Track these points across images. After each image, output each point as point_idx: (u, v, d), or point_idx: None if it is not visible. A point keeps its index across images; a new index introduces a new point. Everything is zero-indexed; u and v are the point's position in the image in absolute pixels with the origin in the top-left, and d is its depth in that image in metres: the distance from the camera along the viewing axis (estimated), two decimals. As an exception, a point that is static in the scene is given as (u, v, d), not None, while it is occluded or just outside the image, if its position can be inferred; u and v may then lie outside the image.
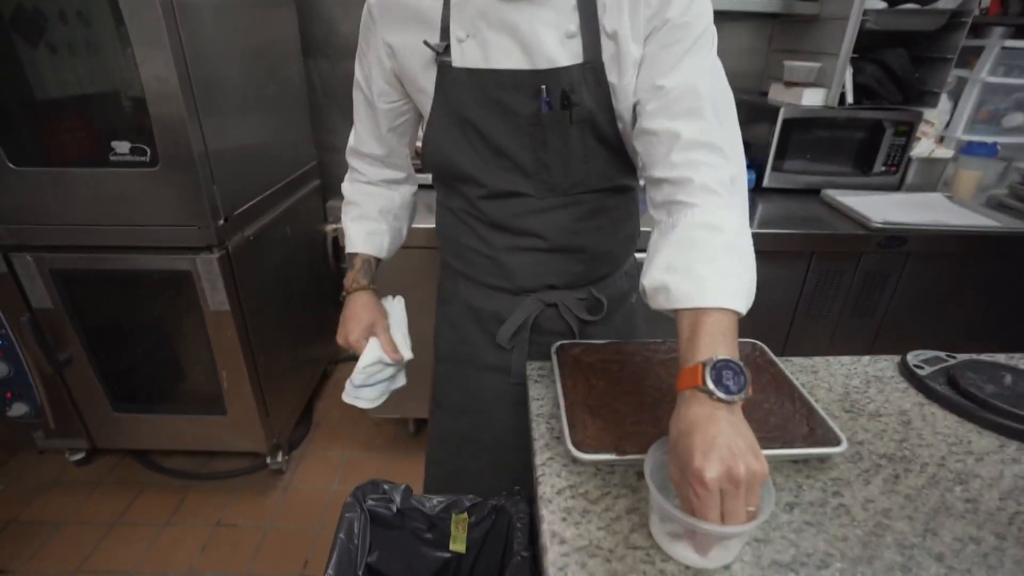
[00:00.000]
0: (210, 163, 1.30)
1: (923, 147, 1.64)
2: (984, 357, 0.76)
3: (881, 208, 1.49)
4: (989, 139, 1.65)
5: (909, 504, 0.54)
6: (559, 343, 0.77)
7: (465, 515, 0.76)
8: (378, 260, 0.89)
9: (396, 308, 0.91)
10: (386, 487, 0.78)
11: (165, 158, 1.25)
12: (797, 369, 0.77)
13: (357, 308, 0.85)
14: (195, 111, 1.24)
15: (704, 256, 0.53)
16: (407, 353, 0.87)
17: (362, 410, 0.90)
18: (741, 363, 0.47)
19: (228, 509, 1.64)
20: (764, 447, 0.58)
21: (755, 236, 0.57)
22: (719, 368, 0.47)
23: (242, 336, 1.47)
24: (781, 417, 0.63)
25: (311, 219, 1.91)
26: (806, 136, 1.63)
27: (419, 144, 0.84)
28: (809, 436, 0.60)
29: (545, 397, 0.71)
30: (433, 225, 0.91)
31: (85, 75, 1.25)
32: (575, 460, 0.57)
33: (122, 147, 1.26)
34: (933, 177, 1.70)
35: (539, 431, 0.65)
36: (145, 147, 1.26)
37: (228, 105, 1.39)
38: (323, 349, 2.05)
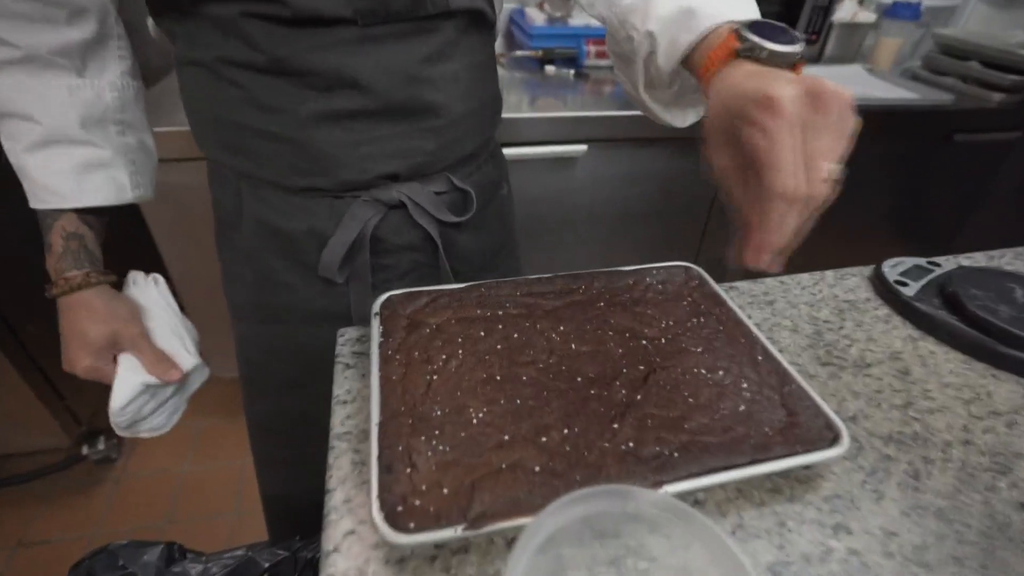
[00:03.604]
0: None
1: (846, 9, 1.42)
2: (980, 263, 0.57)
3: (804, 82, 1.28)
4: (911, -1, 1.46)
5: (949, 530, 0.33)
6: (385, 295, 0.47)
7: (265, 579, 0.48)
8: (101, 219, 0.54)
9: (151, 294, 0.57)
10: (124, 559, 0.47)
11: None
12: (747, 300, 0.53)
13: (81, 320, 0.51)
14: None
15: None
16: (188, 359, 0.56)
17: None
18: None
19: (35, 522, 1.26)
20: (725, 464, 0.34)
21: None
22: (759, 26, 0.35)
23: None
24: (740, 397, 0.39)
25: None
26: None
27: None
28: (789, 428, 0.36)
29: (358, 398, 0.41)
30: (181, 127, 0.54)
31: None
32: (389, 544, 0.30)
33: None
34: (853, 47, 1.51)
35: (337, 472, 0.36)
36: None
37: None
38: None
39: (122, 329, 0.52)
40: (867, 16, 1.45)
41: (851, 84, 1.33)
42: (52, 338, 0.54)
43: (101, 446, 1.35)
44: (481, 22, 0.51)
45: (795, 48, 0.34)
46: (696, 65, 0.40)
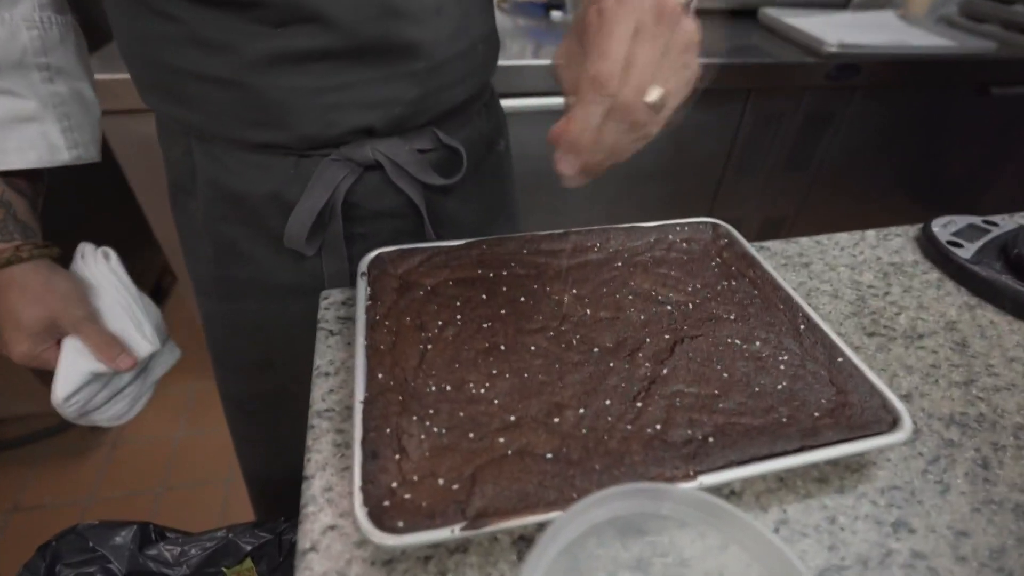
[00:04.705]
0: None
1: (879, -52, 1.30)
2: (1043, 220, 0.51)
3: (833, 29, 1.18)
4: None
5: (1028, 530, 0.29)
6: (375, 253, 0.41)
7: (250, 563, 0.44)
8: (35, 184, 0.47)
9: (101, 270, 0.50)
10: (94, 540, 0.43)
11: None
12: (780, 262, 0.47)
13: (12, 300, 0.44)
14: None
15: None
16: (144, 345, 0.49)
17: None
18: None
19: (29, 487, 1.24)
20: (768, 450, 0.29)
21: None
22: None
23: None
24: (782, 372, 0.34)
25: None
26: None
27: None
28: (840, 409, 0.31)
29: (342, 369, 0.36)
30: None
31: None
32: (375, 544, 0.25)
33: None
34: (884, -10, 1.39)
35: (317, 455, 0.31)
36: None
37: None
38: (145, 259, 1.53)
39: (61, 310, 0.45)
40: (902, -44, 1.33)
41: (882, 32, 1.23)
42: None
43: (94, 410, 1.32)
44: None
45: None
46: None
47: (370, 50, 0.40)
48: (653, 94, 0.27)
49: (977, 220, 0.51)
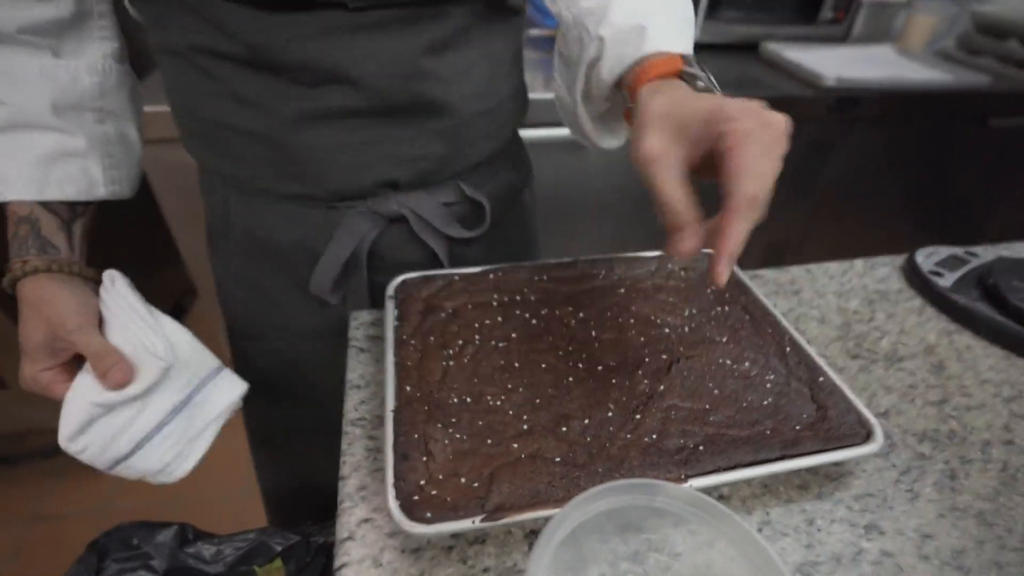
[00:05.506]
0: None
1: (876, -14, 1.36)
2: (1021, 253, 0.54)
3: (831, 63, 1.23)
4: (947, -25, 1.40)
5: (989, 535, 0.32)
6: (401, 278, 0.45)
7: (279, 563, 0.48)
8: (72, 208, 0.45)
9: (111, 295, 0.43)
10: (138, 539, 0.47)
11: None
12: (772, 290, 0.51)
13: (24, 316, 0.41)
14: None
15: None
16: (155, 361, 0.41)
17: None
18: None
19: (50, 496, 1.28)
20: (752, 458, 0.33)
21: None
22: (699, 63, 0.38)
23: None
24: (768, 389, 0.37)
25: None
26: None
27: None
28: (820, 423, 0.35)
29: (372, 383, 0.40)
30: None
31: None
32: (405, 533, 0.29)
33: None
34: (882, 26, 1.45)
35: (351, 458, 0.35)
36: None
37: None
38: (168, 278, 1.59)
39: (56, 322, 0.40)
40: (899, -6, 1.39)
41: (880, 66, 1.28)
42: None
43: (117, 422, 1.36)
44: (500, 5, 0.45)
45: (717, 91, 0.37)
46: (629, 78, 0.39)
47: (398, 109, 0.43)
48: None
49: (959, 251, 0.54)
